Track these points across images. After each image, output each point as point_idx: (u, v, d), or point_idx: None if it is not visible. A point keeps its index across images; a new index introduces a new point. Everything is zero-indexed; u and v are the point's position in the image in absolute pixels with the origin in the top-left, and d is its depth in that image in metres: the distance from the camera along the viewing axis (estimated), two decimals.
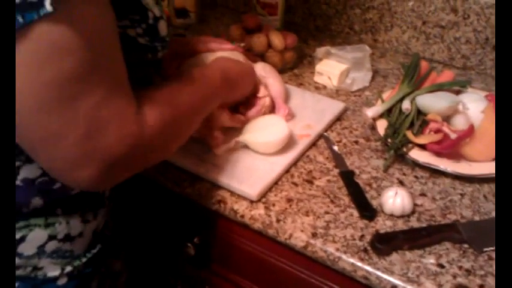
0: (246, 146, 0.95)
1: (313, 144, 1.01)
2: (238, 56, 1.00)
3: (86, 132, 0.56)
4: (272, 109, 1.03)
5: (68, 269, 0.76)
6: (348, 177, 0.92)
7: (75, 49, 0.54)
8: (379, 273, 0.75)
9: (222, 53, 0.99)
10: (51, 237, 0.73)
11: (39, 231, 0.71)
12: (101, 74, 0.57)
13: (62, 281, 0.76)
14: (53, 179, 0.69)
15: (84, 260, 0.79)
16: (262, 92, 1.00)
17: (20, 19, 0.51)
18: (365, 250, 0.78)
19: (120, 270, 0.96)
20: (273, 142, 0.92)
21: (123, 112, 0.60)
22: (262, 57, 1.21)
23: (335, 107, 1.09)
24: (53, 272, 0.75)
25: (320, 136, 1.03)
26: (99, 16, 0.57)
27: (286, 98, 1.09)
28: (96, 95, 0.57)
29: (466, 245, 0.80)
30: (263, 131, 0.94)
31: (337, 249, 0.79)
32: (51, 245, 0.73)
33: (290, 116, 1.03)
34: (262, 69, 1.04)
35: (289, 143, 0.96)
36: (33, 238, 0.71)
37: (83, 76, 0.55)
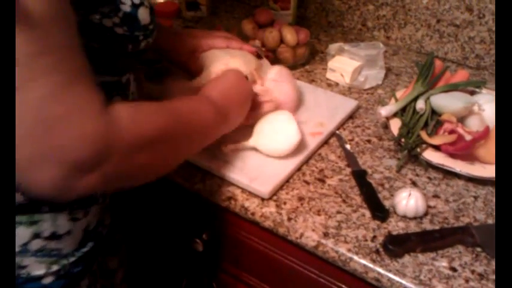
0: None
1: (325, 143, 1.00)
2: (251, 60, 0.98)
3: (36, 128, 0.50)
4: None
5: (55, 268, 0.74)
6: (360, 176, 0.91)
7: (34, 23, 0.50)
8: (391, 275, 0.74)
9: (234, 53, 0.98)
10: (36, 236, 0.70)
11: (22, 229, 0.68)
12: (48, 62, 0.51)
13: (48, 280, 0.74)
14: None
15: (73, 259, 0.76)
16: (265, 97, 0.98)
17: None
18: (377, 251, 0.78)
19: (116, 268, 0.95)
20: (284, 149, 0.91)
21: (82, 108, 0.53)
22: (273, 52, 1.20)
23: (347, 104, 1.08)
24: (38, 271, 0.72)
25: (332, 134, 1.02)
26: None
27: (299, 96, 1.07)
28: (43, 86, 0.50)
29: (479, 249, 0.79)
30: (273, 135, 0.91)
31: (349, 250, 0.78)
32: (36, 244, 0.70)
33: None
34: (278, 73, 1.02)
35: (301, 141, 0.94)
36: (16, 236, 0.68)
37: (26, 62, 0.49)
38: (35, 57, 0.50)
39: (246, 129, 0.94)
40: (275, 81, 1.00)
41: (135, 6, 0.67)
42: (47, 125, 0.51)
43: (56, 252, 0.74)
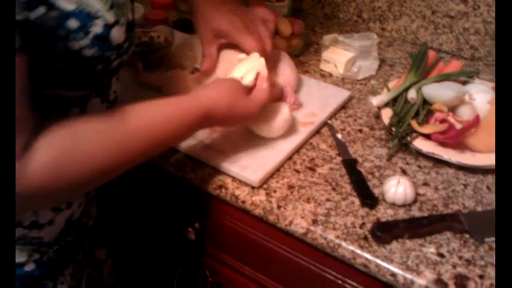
0: (247, 130, 0.94)
1: (317, 132, 1.00)
2: (255, 67, 0.91)
3: None
4: (281, 95, 1.02)
5: (36, 256, 0.75)
6: (350, 165, 0.91)
7: None
8: (378, 261, 0.75)
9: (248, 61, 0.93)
10: (17, 224, 0.70)
11: None
12: None
13: (30, 267, 0.75)
14: None
15: (55, 247, 0.77)
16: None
17: None
18: (365, 238, 0.78)
19: (105, 259, 0.95)
20: (274, 124, 0.91)
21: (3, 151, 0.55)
22: None
23: (340, 95, 1.09)
24: (20, 258, 0.73)
25: (324, 124, 1.02)
26: None
27: (298, 82, 1.08)
28: None
29: (467, 235, 0.79)
30: (265, 113, 0.92)
31: (337, 237, 0.78)
32: (16, 232, 0.71)
33: (296, 106, 1.02)
34: (276, 56, 1.03)
35: (292, 129, 0.95)
36: None
37: None
38: None
39: None
40: (274, 64, 1.01)
41: (107, 27, 0.63)
42: None
43: (36, 241, 0.74)
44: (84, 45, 0.61)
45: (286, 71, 1.04)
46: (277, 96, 1.00)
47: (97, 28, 0.62)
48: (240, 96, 0.83)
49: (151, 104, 0.72)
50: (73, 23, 0.60)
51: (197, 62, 1.03)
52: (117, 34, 0.64)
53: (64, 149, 0.60)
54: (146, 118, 0.70)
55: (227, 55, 0.99)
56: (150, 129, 0.70)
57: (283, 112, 0.92)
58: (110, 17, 0.63)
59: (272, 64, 1.02)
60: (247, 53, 0.93)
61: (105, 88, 0.75)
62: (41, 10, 0.56)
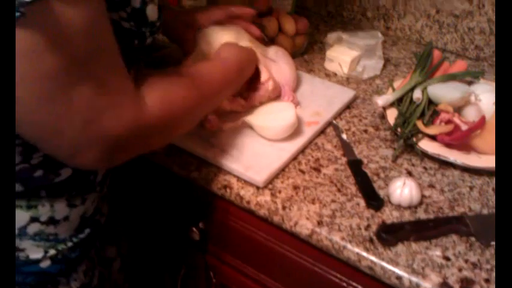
0: (252, 130, 0.94)
1: (322, 132, 1.00)
2: (243, 35, 0.99)
3: (85, 120, 0.58)
4: (278, 93, 1.02)
5: (52, 252, 0.75)
6: (355, 166, 0.91)
7: (67, 40, 0.55)
8: (384, 263, 0.75)
9: (227, 30, 0.99)
10: (34, 219, 0.71)
11: (20, 212, 0.69)
12: (94, 63, 0.58)
13: (45, 263, 0.75)
14: (33, 166, 0.67)
15: (70, 244, 0.77)
16: (264, 76, 0.97)
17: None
18: (371, 240, 0.78)
19: (114, 257, 0.95)
20: (279, 128, 0.91)
21: (120, 98, 0.61)
22: (272, 41, 1.19)
23: (345, 94, 1.08)
24: (36, 254, 0.73)
25: (329, 124, 1.02)
26: (90, 4, 0.56)
27: (296, 84, 1.08)
28: (91, 84, 0.58)
29: (473, 238, 0.79)
30: (271, 115, 0.93)
31: (343, 238, 0.78)
32: (34, 227, 0.71)
33: (294, 104, 1.01)
34: (274, 54, 1.03)
35: (297, 129, 0.95)
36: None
37: (77, 67, 0.56)
38: (82, 63, 0.57)
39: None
40: (272, 61, 1.00)
41: (144, 3, 0.67)
42: (93, 117, 0.59)
43: (53, 237, 0.74)
44: (122, 17, 0.66)
45: (285, 69, 1.03)
46: (275, 94, 1.00)
47: (135, 2, 0.66)
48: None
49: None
50: None
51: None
52: (152, 11, 0.69)
53: (165, 91, 0.70)
54: (208, 72, 0.83)
55: (211, 34, 0.99)
56: (210, 79, 0.82)
57: (290, 115, 0.92)
58: None
59: (270, 62, 1.01)
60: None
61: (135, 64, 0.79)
62: None
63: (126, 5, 0.65)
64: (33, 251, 0.73)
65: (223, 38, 0.96)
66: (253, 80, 0.97)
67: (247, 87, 0.98)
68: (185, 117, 0.75)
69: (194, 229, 0.97)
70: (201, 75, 0.80)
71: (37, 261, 0.74)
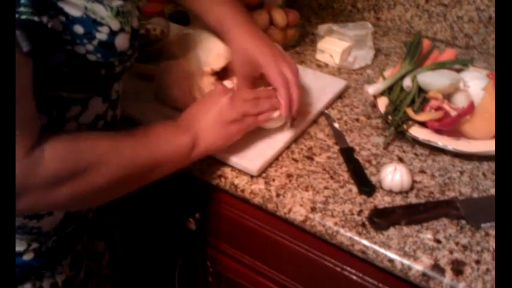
0: None
1: (314, 122, 1.01)
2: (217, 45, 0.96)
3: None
4: None
5: (35, 245, 0.76)
6: (347, 153, 0.92)
7: None
8: (376, 247, 0.76)
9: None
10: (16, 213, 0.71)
11: None
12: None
13: (28, 256, 0.76)
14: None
15: (54, 238, 0.78)
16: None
17: None
18: (363, 225, 0.79)
19: (103, 251, 0.96)
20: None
21: (18, 154, 0.58)
22: None
23: (336, 84, 1.10)
24: (18, 247, 0.74)
25: (321, 113, 1.03)
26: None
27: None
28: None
29: (463, 221, 0.81)
30: None
31: (336, 224, 0.79)
32: (16, 221, 0.72)
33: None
34: None
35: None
36: None
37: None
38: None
39: None
40: None
41: (112, 34, 0.65)
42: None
43: (36, 231, 0.75)
44: (88, 50, 0.64)
45: None
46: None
47: (102, 35, 0.64)
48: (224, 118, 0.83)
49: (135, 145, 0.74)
50: (79, 29, 0.62)
51: (204, 63, 1.00)
52: (122, 41, 0.66)
53: (63, 146, 0.64)
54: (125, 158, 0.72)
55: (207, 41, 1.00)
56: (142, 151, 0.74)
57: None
58: (115, 25, 0.65)
59: None
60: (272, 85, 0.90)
61: (108, 88, 0.76)
62: (51, 14, 0.58)
63: (92, 39, 0.63)
64: (16, 244, 0.74)
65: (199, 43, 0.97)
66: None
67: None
68: (87, 184, 0.67)
69: (190, 219, 0.98)
70: (126, 147, 0.72)
71: (20, 254, 0.75)
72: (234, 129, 0.84)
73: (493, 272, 0.73)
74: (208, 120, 0.82)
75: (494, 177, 0.89)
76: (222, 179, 0.88)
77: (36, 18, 0.56)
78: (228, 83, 0.95)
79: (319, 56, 1.22)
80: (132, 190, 0.75)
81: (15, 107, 0.56)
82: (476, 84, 0.99)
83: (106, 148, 0.68)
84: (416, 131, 0.94)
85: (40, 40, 0.58)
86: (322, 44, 1.21)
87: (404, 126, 0.95)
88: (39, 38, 0.57)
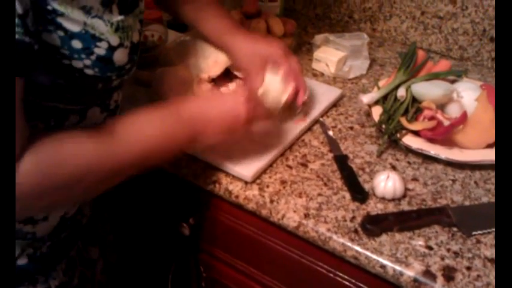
0: None
1: (309, 129, 1.02)
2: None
3: None
4: None
5: (29, 250, 0.76)
6: (341, 161, 0.93)
7: None
8: (368, 253, 0.77)
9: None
10: None
11: None
12: None
13: (22, 261, 0.76)
14: None
15: (48, 243, 0.78)
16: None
17: None
18: (355, 231, 0.80)
19: (97, 258, 0.96)
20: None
21: None
22: None
23: (331, 93, 1.11)
24: None
25: (316, 121, 1.04)
26: None
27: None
28: None
29: (455, 228, 0.81)
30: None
31: (328, 230, 0.80)
32: None
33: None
34: None
35: (285, 127, 0.97)
36: None
37: None
38: None
39: None
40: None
41: (111, 49, 0.65)
42: None
43: (30, 236, 0.75)
44: (86, 64, 0.64)
45: None
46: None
47: (100, 50, 0.64)
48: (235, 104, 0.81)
49: (136, 122, 0.72)
50: (77, 44, 0.62)
51: (202, 69, 1.02)
52: (120, 56, 0.66)
53: (47, 157, 0.60)
54: (130, 138, 0.70)
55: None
56: (133, 145, 0.70)
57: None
58: (114, 40, 0.65)
59: None
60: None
61: (106, 99, 0.76)
62: (49, 29, 0.59)
63: (90, 54, 0.63)
64: None
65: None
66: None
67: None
68: (76, 185, 0.64)
69: (184, 225, 0.99)
70: (119, 143, 0.68)
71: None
72: (231, 138, 0.83)
73: (484, 278, 0.74)
74: (216, 127, 0.79)
75: (486, 186, 0.90)
76: (217, 185, 0.89)
77: (27, 39, 0.55)
78: (224, 90, 0.97)
79: (315, 65, 1.23)
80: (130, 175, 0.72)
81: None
82: (470, 95, 1.00)
83: (90, 157, 0.64)
84: (409, 140, 0.95)
85: (29, 60, 0.57)
86: (318, 54, 1.22)
87: (398, 135, 0.96)
88: (28, 57, 0.57)
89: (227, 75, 1.03)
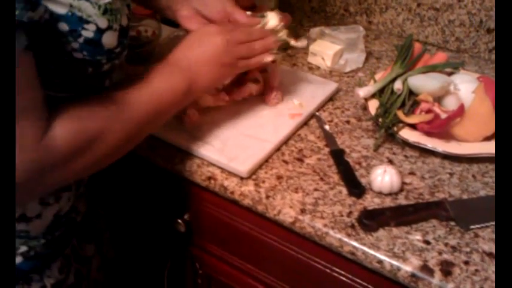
0: (236, 121, 0.95)
1: (305, 124, 1.01)
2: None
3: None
4: (262, 90, 1.02)
5: (23, 248, 0.75)
6: (338, 155, 0.92)
7: None
8: (365, 248, 0.76)
9: None
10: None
11: None
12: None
13: (17, 260, 0.75)
14: None
15: (42, 241, 0.77)
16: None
17: None
18: (352, 226, 0.79)
19: (93, 255, 0.96)
20: None
21: (24, 139, 0.58)
22: None
23: (327, 87, 1.10)
24: None
25: (312, 116, 1.03)
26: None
27: (280, 78, 1.08)
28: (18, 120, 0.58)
29: (452, 223, 0.81)
30: None
31: (325, 225, 0.79)
32: None
33: (277, 100, 1.02)
34: None
35: (280, 121, 0.96)
36: None
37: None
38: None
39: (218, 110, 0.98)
40: None
41: (99, 32, 0.64)
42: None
43: (24, 234, 0.74)
44: (74, 47, 0.63)
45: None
46: (258, 91, 1.01)
47: (88, 33, 0.63)
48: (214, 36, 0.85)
49: (142, 87, 0.75)
50: (64, 26, 0.62)
51: None
52: (109, 39, 0.66)
53: (79, 122, 0.65)
54: (140, 100, 0.74)
55: None
56: (146, 106, 0.74)
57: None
58: (103, 22, 0.64)
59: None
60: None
61: (97, 86, 0.75)
62: (41, 10, 0.58)
63: (77, 36, 0.63)
64: None
65: None
66: (238, 74, 0.98)
67: (232, 81, 0.98)
68: (100, 150, 0.68)
69: (179, 221, 0.98)
70: (129, 103, 0.72)
71: None
72: (227, 71, 0.87)
73: (482, 273, 0.73)
74: (203, 61, 0.83)
75: (483, 179, 0.89)
76: (212, 181, 0.88)
77: (27, 17, 0.56)
78: None
79: (310, 59, 1.22)
80: (143, 137, 0.77)
81: (25, 98, 0.58)
82: (467, 87, 0.99)
83: (108, 116, 0.69)
84: (406, 133, 0.94)
85: (35, 35, 0.58)
86: (313, 47, 1.21)
87: (395, 129, 0.95)
88: (33, 33, 0.58)
89: None
